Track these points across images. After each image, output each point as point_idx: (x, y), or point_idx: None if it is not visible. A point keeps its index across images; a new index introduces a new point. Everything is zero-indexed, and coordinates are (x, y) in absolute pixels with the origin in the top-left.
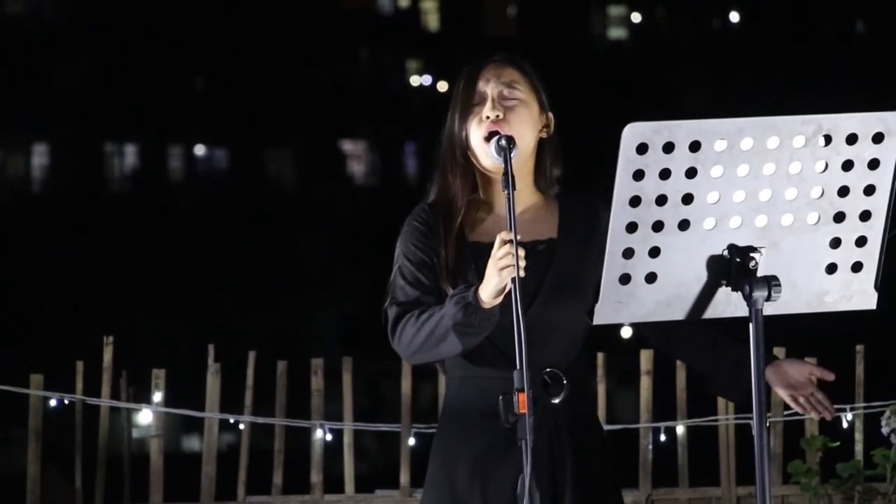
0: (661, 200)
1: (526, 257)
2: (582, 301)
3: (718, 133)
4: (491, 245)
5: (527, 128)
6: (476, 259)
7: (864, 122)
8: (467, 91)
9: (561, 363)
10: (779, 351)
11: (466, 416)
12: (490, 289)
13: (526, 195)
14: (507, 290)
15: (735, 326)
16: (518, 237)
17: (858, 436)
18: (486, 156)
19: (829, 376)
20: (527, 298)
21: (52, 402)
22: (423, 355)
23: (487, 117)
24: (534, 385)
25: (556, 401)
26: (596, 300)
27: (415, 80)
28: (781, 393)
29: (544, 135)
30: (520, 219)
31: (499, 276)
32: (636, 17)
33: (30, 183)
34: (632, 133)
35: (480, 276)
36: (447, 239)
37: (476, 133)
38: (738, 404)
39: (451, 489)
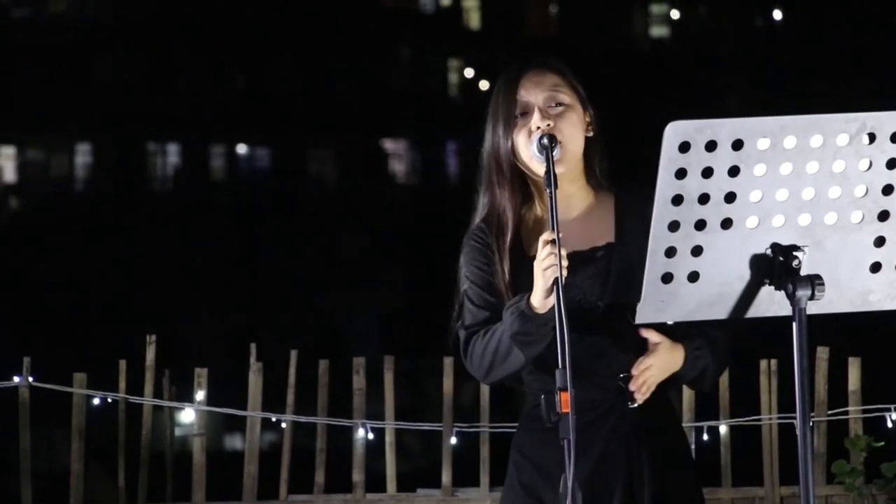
0: (704, 199)
1: (585, 265)
2: None
3: (761, 131)
4: None
5: (577, 132)
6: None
7: None
8: (508, 102)
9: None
10: (822, 350)
11: (539, 426)
12: (537, 292)
13: (580, 197)
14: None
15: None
16: (578, 247)
17: None
18: (537, 163)
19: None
20: (590, 307)
21: (96, 401)
22: (495, 373)
23: (538, 128)
24: (608, 392)
25: (633, 406)
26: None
27: (467, 73)
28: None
29: (590, 133)
30: (576, 225)
31: (543, 278)
32: (678, 15)
33: (73, 182)
34: (674, 131)
35: None
36: (502, 255)
37: (526, 144)
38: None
39: (527, 492)
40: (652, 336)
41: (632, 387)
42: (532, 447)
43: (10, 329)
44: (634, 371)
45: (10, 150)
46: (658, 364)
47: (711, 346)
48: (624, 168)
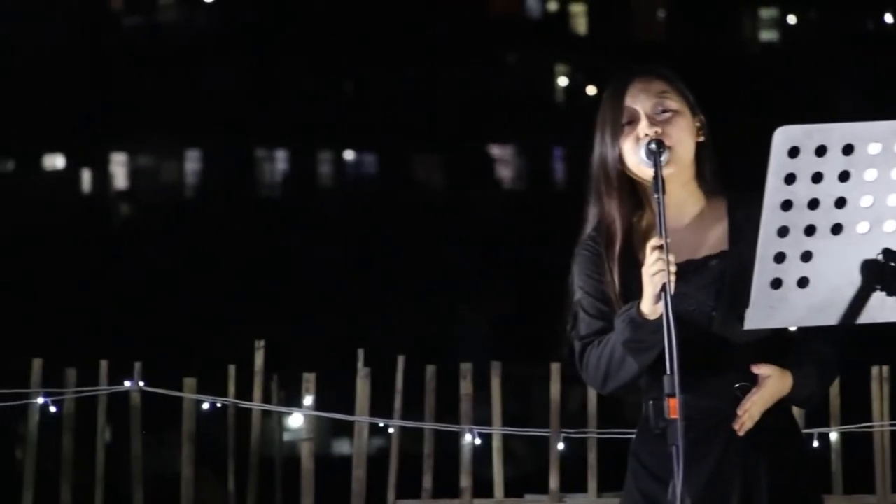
0: (814, 204)
1: (698, 274)
2: None
3: (872, 136)
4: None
5: (687, 137)
6: None
7: None
8: (615, 110)
9: (753, 377)
10: None
11: (655, 434)
12: (647, 298)
13: (692, 204)
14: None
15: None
16: (691, 255)
17: None
18: (645, 168)
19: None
20: (704, 317)
21: (205, 406)
22: (611, 382)
23: (646, 135)
24: (723, 401)
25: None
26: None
27: (574, 79)
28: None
29: (700, 138)
30: (688, 233)
31: (651, 284)
32: (788, 20)
33: (183, 188)
34: (783, 136)
35: None
36: (613, 264)
37: (634, 151)
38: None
39: (646, 499)
40: (762, 370)
41: (735, 425)
42: (648, 454)
43: (121, 334)
44: (739, 412)
45: (121, 157)
46: (765, 396)
47: (819, 370)
48: (734, 173)
